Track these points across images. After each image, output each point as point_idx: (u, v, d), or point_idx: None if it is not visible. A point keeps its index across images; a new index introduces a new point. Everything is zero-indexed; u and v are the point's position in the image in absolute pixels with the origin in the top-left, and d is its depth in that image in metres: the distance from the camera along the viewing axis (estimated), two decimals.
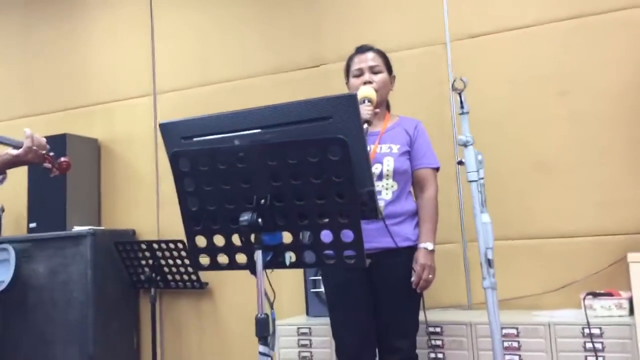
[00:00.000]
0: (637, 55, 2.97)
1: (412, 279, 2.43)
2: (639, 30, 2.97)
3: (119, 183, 4.25)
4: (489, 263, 1.91)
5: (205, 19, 4.04)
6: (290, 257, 1.73)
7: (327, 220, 1.64)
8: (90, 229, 3.80)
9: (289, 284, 3.57)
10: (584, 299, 2.67)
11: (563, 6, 3.12)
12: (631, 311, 2.56)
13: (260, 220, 1.63)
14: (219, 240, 1.76)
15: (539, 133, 3.12)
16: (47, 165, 2.42)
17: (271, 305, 1.74)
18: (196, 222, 1.76)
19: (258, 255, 1.64)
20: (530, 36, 3.17)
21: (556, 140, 3.09)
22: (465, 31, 3.31)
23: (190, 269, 3.75)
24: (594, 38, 3.05)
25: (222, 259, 1.79)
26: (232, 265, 1.78)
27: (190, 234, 1.78)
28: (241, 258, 1.76)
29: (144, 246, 3.78)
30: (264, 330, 1.61)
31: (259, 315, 1.62)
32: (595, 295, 2.71)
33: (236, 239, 1.76)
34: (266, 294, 1.73)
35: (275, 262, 1.72)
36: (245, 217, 1.63)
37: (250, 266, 1.70)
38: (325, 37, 3.63)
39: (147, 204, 4.10)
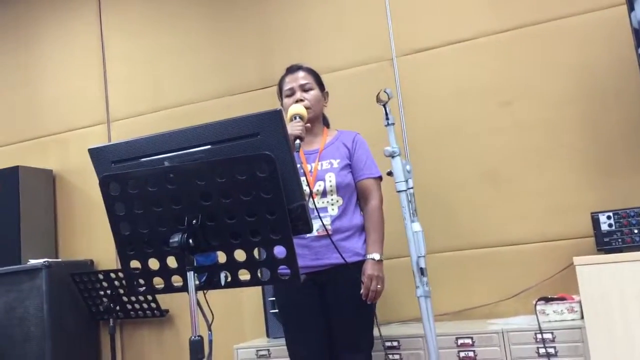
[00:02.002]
0: (575, 63, 3.04)
1: (361, 291, 2.43)
2: (576, 38, 3.05)
3: (76, 213, 4.19)
4: (422, 272, 1.91)
5: (155, 47, 4.05)
6: (225, 276, 1.71)
7: (259, 237, 1.63)
8: (45, 261, 3.73)
9: (250, 306, 3.54)
10: (536, 304, 2.69)
11: (503, 18, 3.19)
12: (583, 314, 2.58)
13: (191, 241, 1.62)
14: (154, 264, 1.74)
15: (484, 143, 3.17)
16: None
17: (209, 327, 1.71)
18: (129, 246, 1.74)
19: (190, 276, 1.62)
20: (473, 48, 3.24)
21: (501, 149, 3.14)
22: (410, 46, 3.36)
23: (149, 297, 3.70)
24: (534, 48, 3.12)
25: (159, 281, 1.77)
26: (168, 288, 1.75)
27: (124, 258, 1.75)
28: (178, 280, 1.73)
29: (101, 276, 3.72)
30: (198, 352, 1.58)
31: (193, 337, 1.59)
32: (547, 300, 2.73)
33: (172, 262, 1.74)
34: (204, 315, 1.70)
35: (210, 282, 1.70)
36: (175, 238, 1.61)
37: (186, 288, 1.68)
38: (275, 58, 3.66)
39: (104, 233, 4.03)
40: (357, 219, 2.55)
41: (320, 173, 2.52)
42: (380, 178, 2.61)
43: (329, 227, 2.42)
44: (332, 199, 2.50)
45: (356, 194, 2.58)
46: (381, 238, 2.51)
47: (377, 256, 2.46)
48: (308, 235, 2.41)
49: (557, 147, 3.04)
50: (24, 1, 4.50)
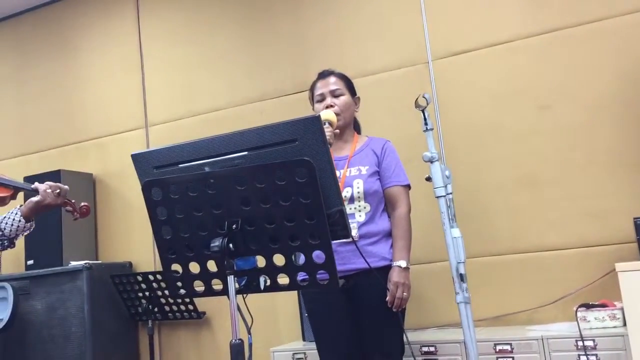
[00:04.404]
0: (615, 65, 2.98)
1: (387, 297, 2.42)
2: (615, 40, 2.99)
3: (115, 216, 4.27)
4: (461, 278, 1.89)
5: (192, 53, 4.11)
6: (265, 280, 1.73)
7: (298, 242, 1.64)
8: (86, 263, 3.81)
9: (286, 309, 3.56)
10: (577, 311, 2.65)
11: (541, 20, 3.15)
12: (625, 321, 2.52)
13: (231, 245, 1.64)
14: (195, 268, 1.77)
15: (522, 147, 3.12)
16: (69, 209, 2.54)
17: (248, 331, 1.73)
18: (171, 250, 1.77)
19: (230, 280, 1.64)
20: (510, 51, 3.20)
21: (540, 153, 3.09)
22: (446, 49, 3.34)
23: (187, 300, 3.75)
24: (572, 51, 3.07)
25: (199, 285, 1.79)
26: (208, 291, 1.78)
27: (166, 262, 1.79)
28: (218, 283, 1.76)
29: (139, 278, 3.78)
30: (239, 355, 1.60)
31: (234, 340, 1.61)
32: (588, 307, 2.68)
33: (212, 265, 1.76)
34: (244, 319, 1.72)
35: (250, 286, 1.72)
36: (216, 243, 1.63)
37: (226, 292, 1.70)
38: (309, 62, 3.67)
39: (143, 235, 4.11)
40: (384, 224, 2.55)
41: (348, 179, 2.52)
42: (408, 186, 2.61)
43: (354, 234, 2.42)
44: (359, 206, 2.50)
45: (384, 201, 2.58)
46: (408, 246, 2.51)
47: (403, 263, 2.45)
48: (335, 240, 2.40)
49: (598, 151, 2.98)
50: (66, 9, 4.62)
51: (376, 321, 2.45)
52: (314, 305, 2.57)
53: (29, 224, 2.46)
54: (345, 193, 2.50)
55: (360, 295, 2.47)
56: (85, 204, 2.59)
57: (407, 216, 2.55)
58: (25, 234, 2.50)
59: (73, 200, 2.55)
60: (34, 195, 2.44)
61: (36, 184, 2.45)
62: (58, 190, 2.45)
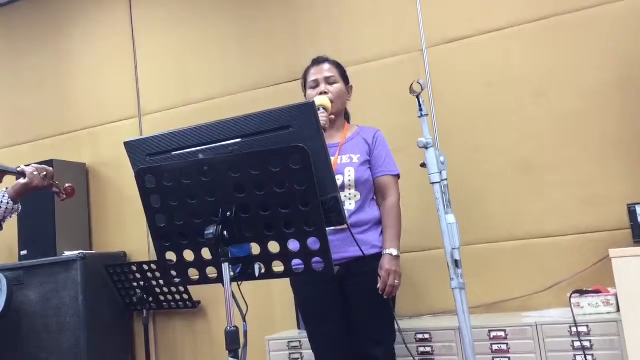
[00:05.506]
0: (609, 52, 2.98)
1: (378, 285, 2.42)
2: (609, 27, 2.99)
3: (109, 206, 4.26)
4: (456, 264, 1.90)
5: (185, 41, 4.08)
6: (260, 267, 1.73)
7: (293, 229, 1.64)
8: (80, 253, 3.80)
9: (281, 297, 3.56)
10: (571, 297, 2.66)
11: (535, 7, 3.13)
12: (619, 307, 2.53)
13: (225, 232, 1.63)
14: (189, 255, 1.76)
15: (517, 134, 3.12)
16: (55, 190, 2.59)
17: (243, 318, 1.73)
18: (165, 238, 1.76)
19: (225, 268, 1.63)
20: (505, 38, 3.19)
21: (534, 140, 3.09)
22: (441, 37, 3.33)
23: (181, 289, 3.75)
24: (566, 37, 3.07)
25: (194, 273, 1.79)
26: (203, 279, 1.77)
27: (160, 250, 1.78)
28: (213, 272, 1.75)
29: (134, 268, 3.77)
30: (234, 343, 1.59)
31: (229, 327, 1.61)
32: (582, 293, 2.69)
33: (207, 253, 1.76)
34: (239, 306, 1.72)
35: (245, 273, 1.72)
36: (210, 230, 1.63)
37: (221, 279, 1.70)
38: (303, 50, 3.64)
39: (137, 225, 4.09)
40: (374, 212, 2.55)
41: (339, 167, 2.52)
42: (398, 176, 2.61)
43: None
44: (350, 194, 2.50)
45: (374, 190, 2.58)
46: (399, 234, 2.52)
47: (394, 252, 2.46)
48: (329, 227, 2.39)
49: (591, 138, 2.98)
50: None
51: (367, 309, 2.46)
52: (305, 295, 2.58)
53: (16, 205, 2.47)
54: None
55: (351, 283, 2.47)
56: (70, 184, 2.63)
57: (397, 205, 2.56)
58: (13, 216, 2.51)
59: (57, 182, 2.59)
60: (21, 178, 2.45)
61: (22, 166, 2.47)
62: (44, 173, 2.48)
